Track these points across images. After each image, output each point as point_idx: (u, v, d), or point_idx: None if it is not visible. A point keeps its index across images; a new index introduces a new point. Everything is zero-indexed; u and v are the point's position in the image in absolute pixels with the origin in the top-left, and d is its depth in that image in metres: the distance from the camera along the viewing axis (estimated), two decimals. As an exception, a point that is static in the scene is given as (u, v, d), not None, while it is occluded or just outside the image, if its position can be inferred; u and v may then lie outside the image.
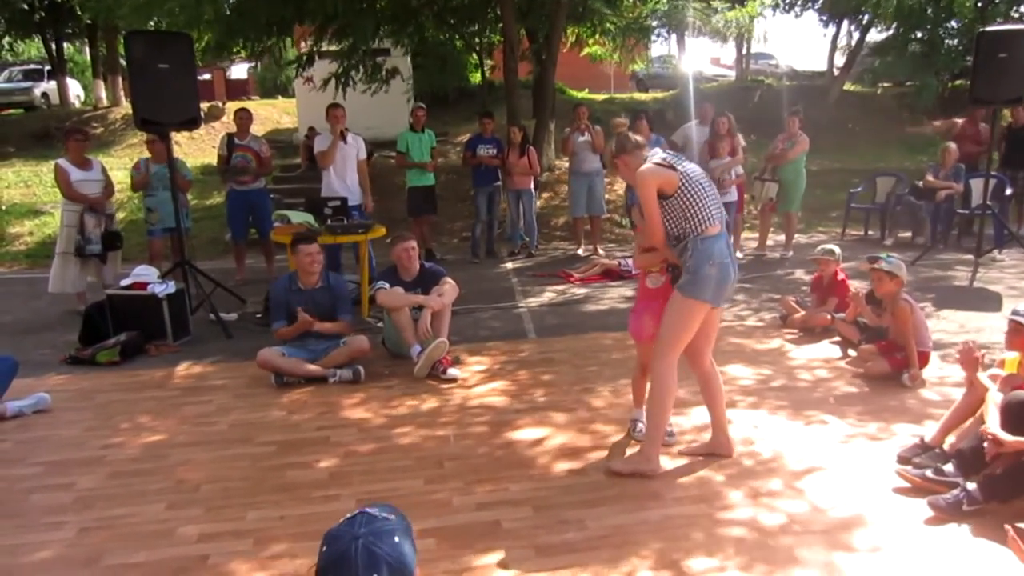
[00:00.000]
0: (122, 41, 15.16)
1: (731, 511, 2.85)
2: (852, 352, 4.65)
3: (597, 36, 12.51)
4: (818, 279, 5.29)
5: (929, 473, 2.83)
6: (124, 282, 5.56)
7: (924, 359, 4.13)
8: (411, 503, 2.95)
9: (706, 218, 3.02)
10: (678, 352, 3.10)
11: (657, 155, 3.11)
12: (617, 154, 3.23)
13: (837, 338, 4.93)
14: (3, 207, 10.48)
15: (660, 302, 3.19)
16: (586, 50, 12.88)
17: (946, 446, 3.04)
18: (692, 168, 3.10)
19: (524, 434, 3.65)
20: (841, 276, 5.18)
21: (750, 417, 3.74)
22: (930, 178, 8.20)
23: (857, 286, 5.16)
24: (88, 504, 3.09)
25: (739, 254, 7.98)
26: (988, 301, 5.88)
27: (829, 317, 5.00)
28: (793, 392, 4.08)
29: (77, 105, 19.06)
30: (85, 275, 6.30)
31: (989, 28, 6.45)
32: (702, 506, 2.88)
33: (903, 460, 3.09)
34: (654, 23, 11.77)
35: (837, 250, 5.24)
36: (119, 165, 11.39)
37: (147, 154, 6.90)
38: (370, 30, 9.61)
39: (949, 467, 2.82)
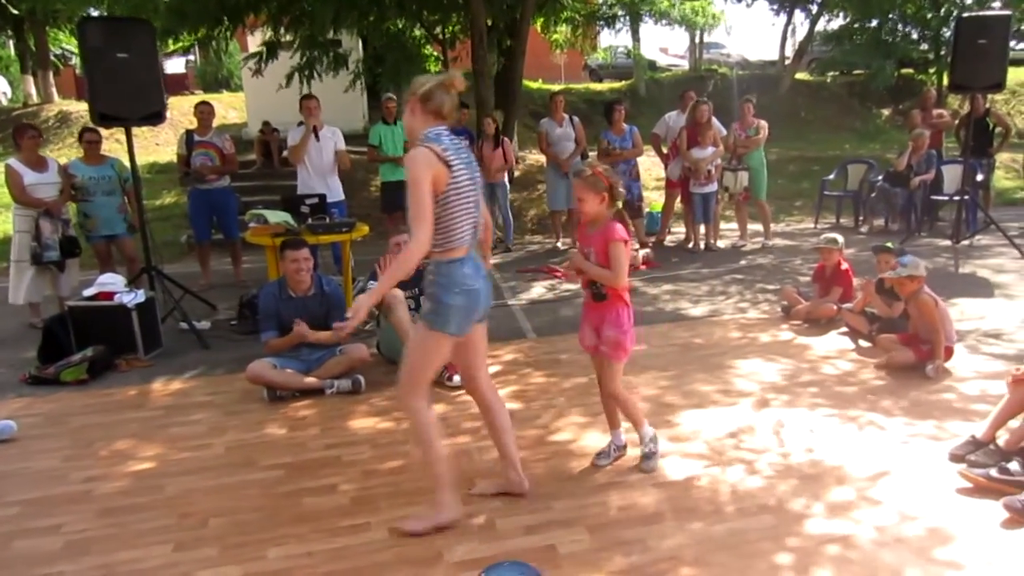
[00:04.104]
0: (68, 31, 14.16)
1: (803, 523, 2.69)
2: (864, 343, 4.61)
3: (559, 25, 12.35)
4: (821, 269, 5.23)
5: (994, 472, 2.74)
6: (87, 292, 5.11)
7: (947, 353, 4.06)
8: (452, 529, 2.72)
9: (455, 237, 2.60)
10: (423, 386, 2.73)
11: (442, 138, 2.59)
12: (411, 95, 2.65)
13: (844, 329, 4.89)
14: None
15: (596, 313, 3.04)
16: (552, 36, 12.68)
17: (1000, 442, 2.97)
18: (464, 172, 2.61)
19: (552, 443, 3.45)
20: (845, 266, 5.13)
21: (787, 416, 3.61)
22: (902, 160, 8.25)
23: (858, 282, 5.14)
24: (82, 549, 2.75)
25: (720, 243, 7.96)
26: (978, 287, 5.94)
27: (835, 308, 4.95)
28: (824, 387, 3.97)
29: (4, 102, 17.88)
30: (42, 285, 5.80)
31: (969, 14, 6.53)
32: (766, 518, 2.72)
33: (956, 458, 3.00)
34: (620, 12, 11.64)
35: (840, 239, 5.17)
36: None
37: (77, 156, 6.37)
38: (329, 19, 9.18)
39: (1015, 465, 2.74)
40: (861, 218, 8.90)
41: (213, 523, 2.89)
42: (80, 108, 14.43)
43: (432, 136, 2.61)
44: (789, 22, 19.55)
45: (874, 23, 15.60)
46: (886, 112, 16.68)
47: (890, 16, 15.38)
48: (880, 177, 8.57)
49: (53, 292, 5.89)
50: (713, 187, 7.65)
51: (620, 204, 2.98)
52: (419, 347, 2.69)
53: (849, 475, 3.00)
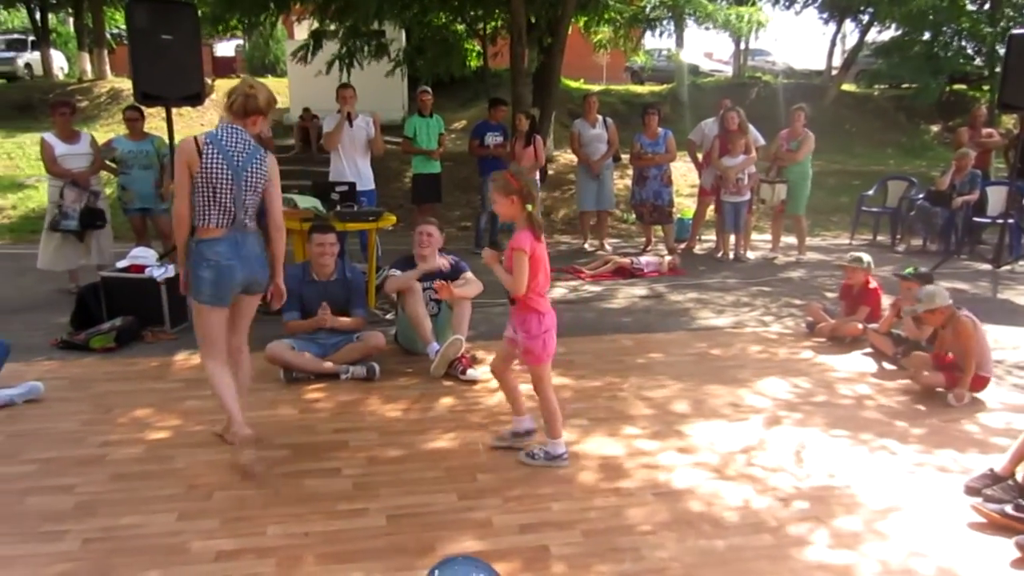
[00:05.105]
0: (122, 10, 14.66)
1: (804, 548, 2.62)
2: (887, 365, 4.49)
3: (601, 26, 12.25)
4: (847, 287, 5.10)
5: (1009, 509, 2.64)
6: (120, 264, 5.28)
7: (981, 383, 3.91)
8: (448, 521, 2.75)
9: (203, 218, 3.01)
10: (211, 349, 3.17)
11: (219, 132, 3.04)
12: None
13: (868, 349, 4.77)
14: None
15: (514, 313, 3.18)
16: (595, 37, 12.59)
17: (1019, 477, 2.87)
18: (217, 164, 2.97)
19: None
20: (873, 284, 4.99)
21: (799, 435, 3.54)
22: (945, 179, 8.02)
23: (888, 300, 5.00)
24: (90, 510, 2.84)
25: (750, 255, 7.84)
26: (1015, 315, 5.74)
27: (861, 327, 4.83)
28: (838, 409, 3.87)
29: (61, 77, 18.51)
30: (77, 252, 5.98)
31: (1021, 31, 6.29)
32: (766, 537, 2.66)
33: (972, 491, 2.90)
34: (664, 14, 11.52)
35: (866, 258, 5.03)
36: (102, 140, 11.00)
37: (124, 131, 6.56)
38: (372, 10, 9.28)
39: (1031, 502, 2.65)
40: (898, 236, 8.67)
41: (218, 496, 2.96)
42: (131, 85, 14.88)
43: (214, 129, 3.10)
44: (838, 32, 19.15)
45: (927, 36, 15.11)
46: (935, 128, 16.24)
47: (944, 29, 14.92)
48: (921, 195, 8.34)
49: (88, 261, 6.07)
50: (745, 197, 7.52)
51: (531, 208, 3.02)
52: (195, 317, 3.20)
53: (857, 502, 2.92)
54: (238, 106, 3.02)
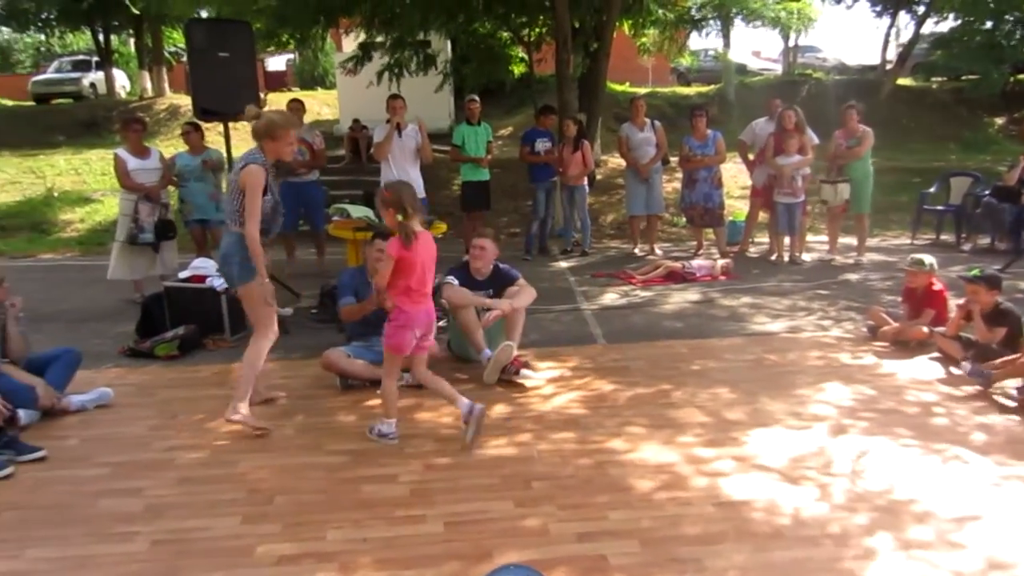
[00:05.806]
0: (181, 30, 15.39)
1: (872, 558, 2.54)
2: (955, 370, 4.32)
3: (647, 29, 12.14)
4: (910, 290, 4.91)
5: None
6: (182, 274, 5.47)
7: None
8: (504, 529, 2.75)
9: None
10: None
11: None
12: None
13: (935, 354, 4.59)
14: (55, 194, 10.53)
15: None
16: (639, 41, 12.48)
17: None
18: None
19: (612, 452, 3.40)
20: (938, 286, 4.81)
21: (864, 444, 3.42)
22: (1014, 174, 7.66)
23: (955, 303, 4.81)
24: (159, 513, 2.94)
25: (806, 256, 7.64)
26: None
27: (927, 331, 4.66)
28: (906, 417, 3.73)
29: (123, 95, 19.35)
30: (144, 264, 6.23)
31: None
32: (830, 548, 2.58)
33: (1053, 501, 2.78)
34: (710, 14, 11.35)
35: (928, 259, 4.84)
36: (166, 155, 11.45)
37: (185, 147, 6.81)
38: (417, 21, 9.41)
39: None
40: (963, 235, 8.34)
41: (278, 500, 3.02)
42: (189, 102, 15.47)
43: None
44: (892, 24, 18.57)
45: (988, 25, 14.49)
46: (999, 121, 15.56)
47: (1006, 17, 14.29)
48: (987, 191, 8.00)
49: (153, 271, 6.31)
50: (799, 199, 7.33)
51: (401, 218, 3.34)
52: None
53: (929, 513, 2.80)
54: (253, 133, 3.68)
